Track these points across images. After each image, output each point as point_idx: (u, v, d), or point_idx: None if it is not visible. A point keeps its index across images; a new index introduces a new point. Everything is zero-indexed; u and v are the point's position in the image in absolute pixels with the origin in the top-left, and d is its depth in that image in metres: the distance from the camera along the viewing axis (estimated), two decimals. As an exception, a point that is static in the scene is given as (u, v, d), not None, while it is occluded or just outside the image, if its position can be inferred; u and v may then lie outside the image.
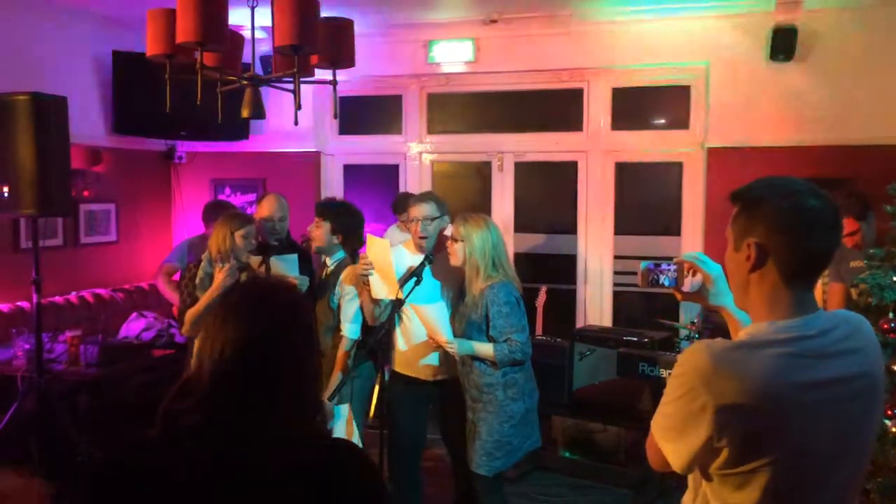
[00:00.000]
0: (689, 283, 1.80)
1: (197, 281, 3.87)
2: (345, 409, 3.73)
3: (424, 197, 3.80)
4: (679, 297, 1.84)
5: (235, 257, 3.84)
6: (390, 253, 3.59)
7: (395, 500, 3.87)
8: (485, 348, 3.38)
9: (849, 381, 1.47)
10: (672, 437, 1.48)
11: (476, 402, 3.46)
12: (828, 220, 1.49)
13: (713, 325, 4.42)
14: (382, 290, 3.61)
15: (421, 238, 3.67)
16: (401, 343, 3.75)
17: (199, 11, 2.52)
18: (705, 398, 1.40)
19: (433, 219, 3.68)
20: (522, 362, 3.42)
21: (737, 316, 1.71)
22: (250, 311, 1.40)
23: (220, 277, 3.78)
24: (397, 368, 3.78)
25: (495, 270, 3.42)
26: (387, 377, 3.77)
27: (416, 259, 3.65)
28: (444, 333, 3.41)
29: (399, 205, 5.50)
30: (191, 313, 3.79)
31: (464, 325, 3.47)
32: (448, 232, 3.69)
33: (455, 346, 3.40)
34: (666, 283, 1.84)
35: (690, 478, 1.57)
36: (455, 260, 3.48)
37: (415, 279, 3.48)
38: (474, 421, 3.47)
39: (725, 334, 1.78)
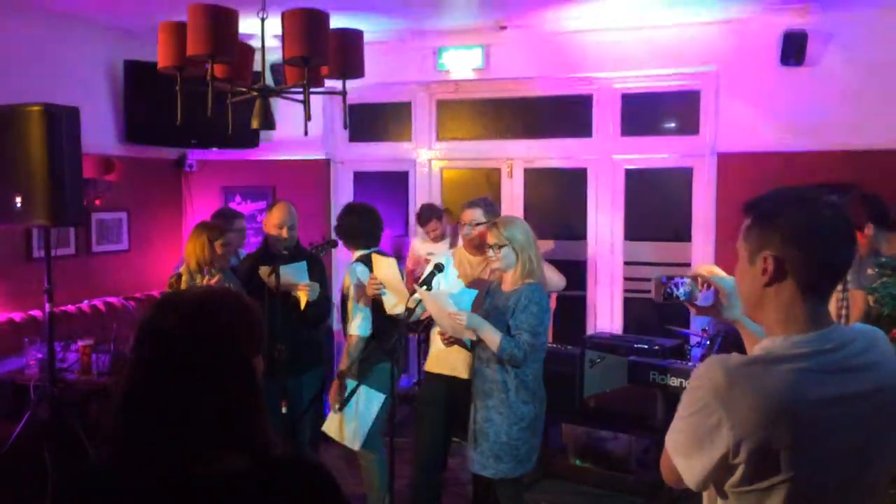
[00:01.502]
0: (703, 297, 1.79)
1: None
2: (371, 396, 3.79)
3: (474, 203, 3.90)
4: (694, 310, 1.83)
5: (220, 268, 3.87)
6: (397, 269, 3.76)
7: None
8: (493, 333, 3.32)
9: (867, 397, 1.45)
10: (686, 453, 1.46)
11: (486, 399, 3.43)
12: (843, 233, 1.49)
13: (724, 332, 4.40)
14: (397, 306, 3.74)
15: (471, 243, 3.81)
16: (434, 342, 3.84)
17: (209, 24, 2.54)
18: (720, 414, 1.39)
19: (479, 224, 3.77)
20: (520, 363, 3.34)
21: (751, 329, 1.70)
22: (155, 310, 1.38)
23: None
24: (429, 368, 3.90)
25: (534, 271, 3.42)
26: (396, 378, 3.80)
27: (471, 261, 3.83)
28: (451, 307, 3.40)
29: (423, 216, 5.60)
30: None
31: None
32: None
33: (463, 318, 3.34)
34: (680, 296, 1.83)
35: (705, 494, 1.55)
36: (502, 265, 3.42)
37: (425, 287, 3.50)
38: (481, 421, 3.45)
39: (737, 341, 1.77)
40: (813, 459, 1.39)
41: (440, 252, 5.21)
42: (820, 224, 1.46)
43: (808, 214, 1.47)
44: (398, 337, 3.66)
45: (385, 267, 3.80)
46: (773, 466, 1.38)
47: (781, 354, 1.44)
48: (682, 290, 1.83)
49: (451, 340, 3.55)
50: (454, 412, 3.82)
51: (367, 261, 3.97)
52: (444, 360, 3.82)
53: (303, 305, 3.98)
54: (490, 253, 3.44)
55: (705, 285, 1.80)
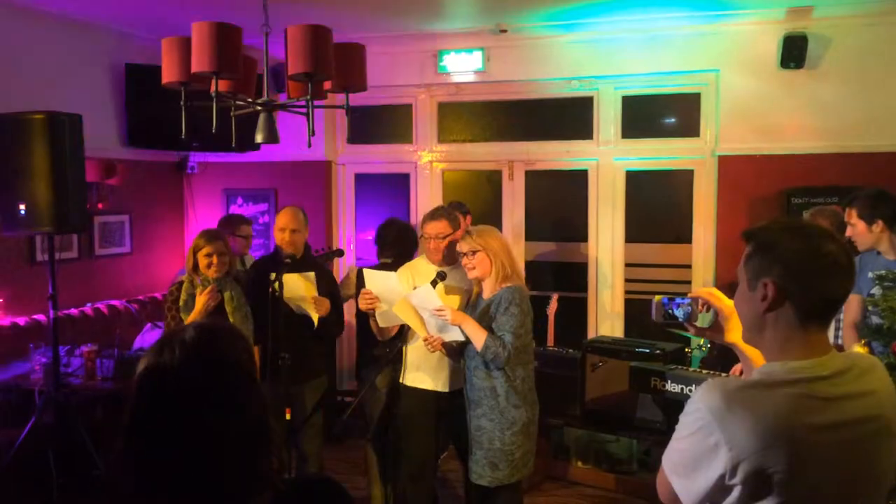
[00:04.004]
0: (702, 319, 1.83)
1: (181, 304, 3.86)
2: None
3: (437, 214, 3.82)
4: (692, 331, 1.86)
5: (216, 277, 3.84)
6: (394, 280, 3.66)
7: None
8: (479, 331, 3.35)
9: (861, 424, 1.48)
10: (684, 474, 1.50)
11: (477, 407, 3.46)
12: (843, 265, 1.52)
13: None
14: (394, 318, 3.67)
15: (439, 255, 3.74)
16: (413, 356, 3.80)
17: (214, 42, 2.55)
18: (718, 436, 1.42)
19: (446, 236, 3.73)
20: (503, 364, 3.35)
21: (748, 353, 1.73)
22: (157, 347, 1.37)
23: (202, 300, 3.77)
24: (408, 382, 3.82)
25: (513, 273, 3.47)
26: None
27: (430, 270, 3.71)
28: (436, 303, 3.41)
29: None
30: None
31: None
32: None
33: (447, 313, 3.38)
34: (680, 317, 1.87)
35: None
36: (479, 272, 3.46)
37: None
38: (474, 430, 3.48)
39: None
40: (807, 484, 1.43)
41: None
42: (820, 256, 1.50)
43: (809, 245, 1.51)
44: (400, 345, 3.69)
45: (381, 280, 3.71)
46: (769, 489, 1.41)
47: (779, 379, 1.48)
48: (681, 310, 1.87)
49: (435, 346, 3.55)
50: (439, 423, 3.83)
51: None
52: (422, 373, 3.79)
53: (315, 322, 3.95)
54: (465, 260, 3.49)
55: (705, 307, 1.83)
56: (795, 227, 1.56)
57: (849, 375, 1.50)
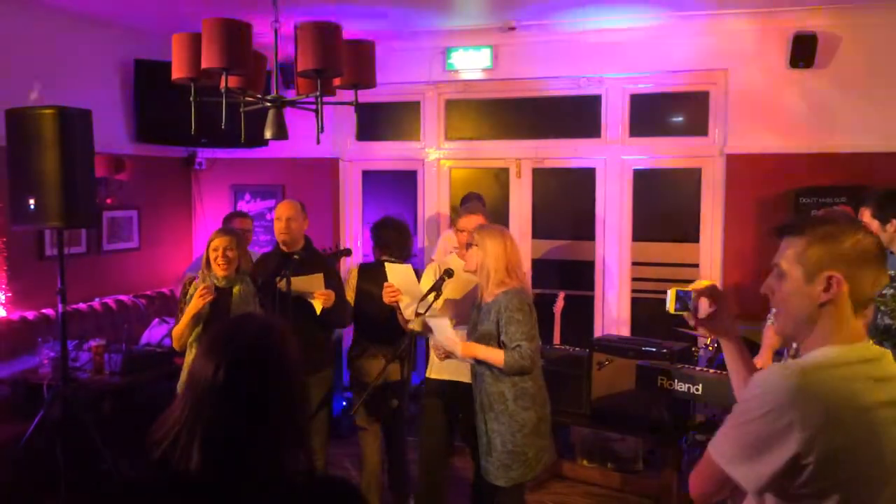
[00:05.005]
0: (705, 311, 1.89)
1: (187, 297, 3.90)
2: None
3: (475, 208, 3.92)
4: (692, 321, 1.93)
5: (226, 276, 3.85)
6: (413, 275, 3.70)
7: None
8: (494, 354, 3.36)
9: None
10: (748, 458, 1.51)
11: (487, 412, 3.46)
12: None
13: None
14: (410, 306, 3.72)
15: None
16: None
17: (224, 38, 2.56)
18: (791, 416, 1.45)
19: None
20: (530, 370, 3.38)
21: (737, 351, 1.87)
22: (211, 348, 1.43)
23: (194, 299, 3.79)
24: (431, 375, 3.90)
25: (508, 277, 3.44)
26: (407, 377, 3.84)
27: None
28: (449, 333, 3.46)
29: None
30: (175, 330, 3.88)
31: (476, 334, 3.50)
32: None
33: (458, 350, 3.40)
34: (690, 308, 1.93)
35: (750, 496, 1.60)
36: (469, 265, 3.51)
37: (434, 293, 3.53)
38: (487, 432, 3.48)
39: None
40: (870, 458, 1.48)
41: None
42: (879, 247, 1.60)
43: (870, 239, 1.59)
44: (409, 341, 3.71)
45: (402, 273, 3.77)
46: (838, 466, 1.46)
47: (836, 361, 1.54)
48: (691, 302, 1.92)
49: (442, 355, 3.63)
50: (456, 417, 3.87)
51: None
52: (445, 366, 3.83)
53: (318, 312, 4.01)
54: (466, 249, 3.56)
55: (709, 300, 1.88)
56: (845, 221, 1.65)
57: (884, 361, 1.58)
